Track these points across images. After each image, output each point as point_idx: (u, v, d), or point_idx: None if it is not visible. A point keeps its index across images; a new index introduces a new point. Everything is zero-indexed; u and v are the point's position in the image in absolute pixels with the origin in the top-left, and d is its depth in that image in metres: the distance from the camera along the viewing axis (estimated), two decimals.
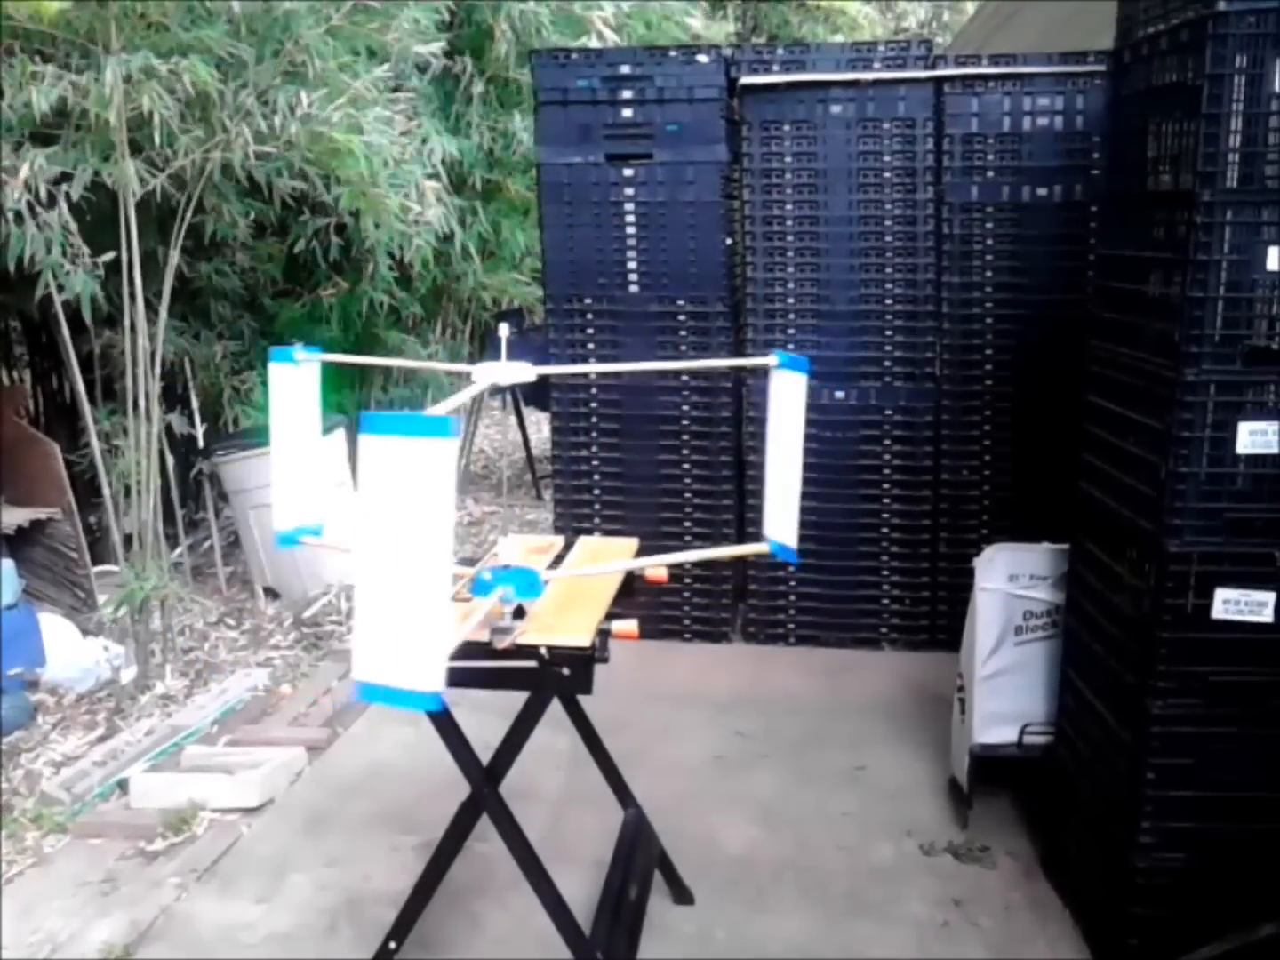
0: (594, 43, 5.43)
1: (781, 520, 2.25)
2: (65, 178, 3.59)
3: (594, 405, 4.40)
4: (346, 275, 5.32)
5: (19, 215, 3.49)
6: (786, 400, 2.27)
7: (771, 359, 2.29)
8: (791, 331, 4.21)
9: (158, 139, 3.61)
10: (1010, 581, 2.98)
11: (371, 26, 3.96)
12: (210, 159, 3.83)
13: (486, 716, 2.45)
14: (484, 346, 6.85)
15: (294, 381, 2.37)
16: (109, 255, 3.74)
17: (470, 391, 2.24)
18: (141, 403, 3.97)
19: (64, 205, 3.59)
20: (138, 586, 3.90)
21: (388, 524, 1.60)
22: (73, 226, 3.63)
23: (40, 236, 3.55)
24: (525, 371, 2.31)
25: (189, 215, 4.02)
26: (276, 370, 2.36)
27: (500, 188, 5.65)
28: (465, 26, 5.27)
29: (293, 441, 2.37)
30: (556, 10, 5.40)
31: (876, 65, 4.00)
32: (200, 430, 4.81)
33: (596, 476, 4.44)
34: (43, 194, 3.54)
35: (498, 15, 5.21)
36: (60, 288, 3.68)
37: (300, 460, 2.37)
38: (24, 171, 3.45)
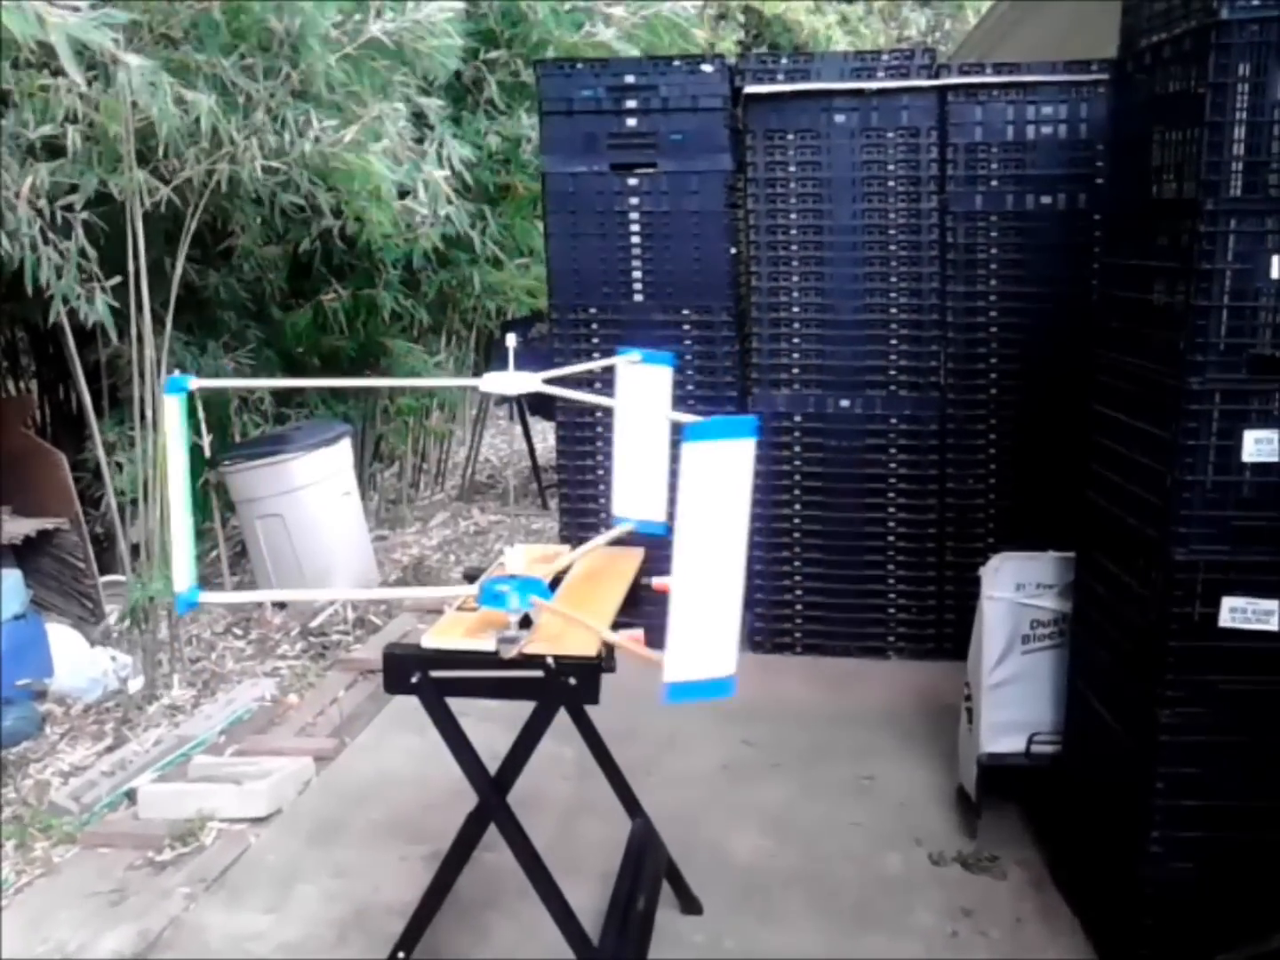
0: (599, 27, 5.45)
1: (647, 499, 2.50)
2: (73, 189, 3.61)
3: (598, 414, 4.41)
4: (351, 281, 5.33)
5: (33, 242, 3.51)
6: (648, 388, 2.57)
7: (634, 356, 2.59)
8: (796, 340, 4.22)
9: (163, 151, 3.62)
10: (1017, 590, 2.98)
11: (383, 63, 3.99)
12: (217, 170, 3.85)
13: (494, 726, 2.45)
14: (489, 356, 6.87)
15: (181, 414, 2.20)
16: (116, 280, 3.76)
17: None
18: (148, 413, 3.99)
19: (79, 230, 3.61)
20: (141, 592, 3.91)
21: (712, 523, 1.68)
22: (91, 254, 3.66)
23: (51, 263, 3.57)
24: (531, 382, 2.32)
25: (193, 226, 4.04)
26: (170, 403, 2.18)
27: (511, 189, 5.67)
28: (476, 29, 5.29)
29: (181, 484, 2.22)
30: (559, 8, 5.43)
31: (880, 74, 4.01)
32: (207, 440, 4.81)
33: (601, 486, 4.44)
34: (55, 218, 3.57)
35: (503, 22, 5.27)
36: (72, 311, 3.69)
37: (183, 508, 2.20)
38: (28, 184, 3.47)
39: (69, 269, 3.61)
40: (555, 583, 2.37)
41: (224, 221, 4.53)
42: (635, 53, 5.41)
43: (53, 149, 3.67)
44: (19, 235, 3.49)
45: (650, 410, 2.56)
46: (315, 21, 3.67)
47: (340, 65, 3.83)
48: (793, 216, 4.15)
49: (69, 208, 3.60)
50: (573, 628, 2.15)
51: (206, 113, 3.51)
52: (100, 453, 4.14)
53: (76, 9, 3.04)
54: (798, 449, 4.27)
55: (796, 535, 4.32)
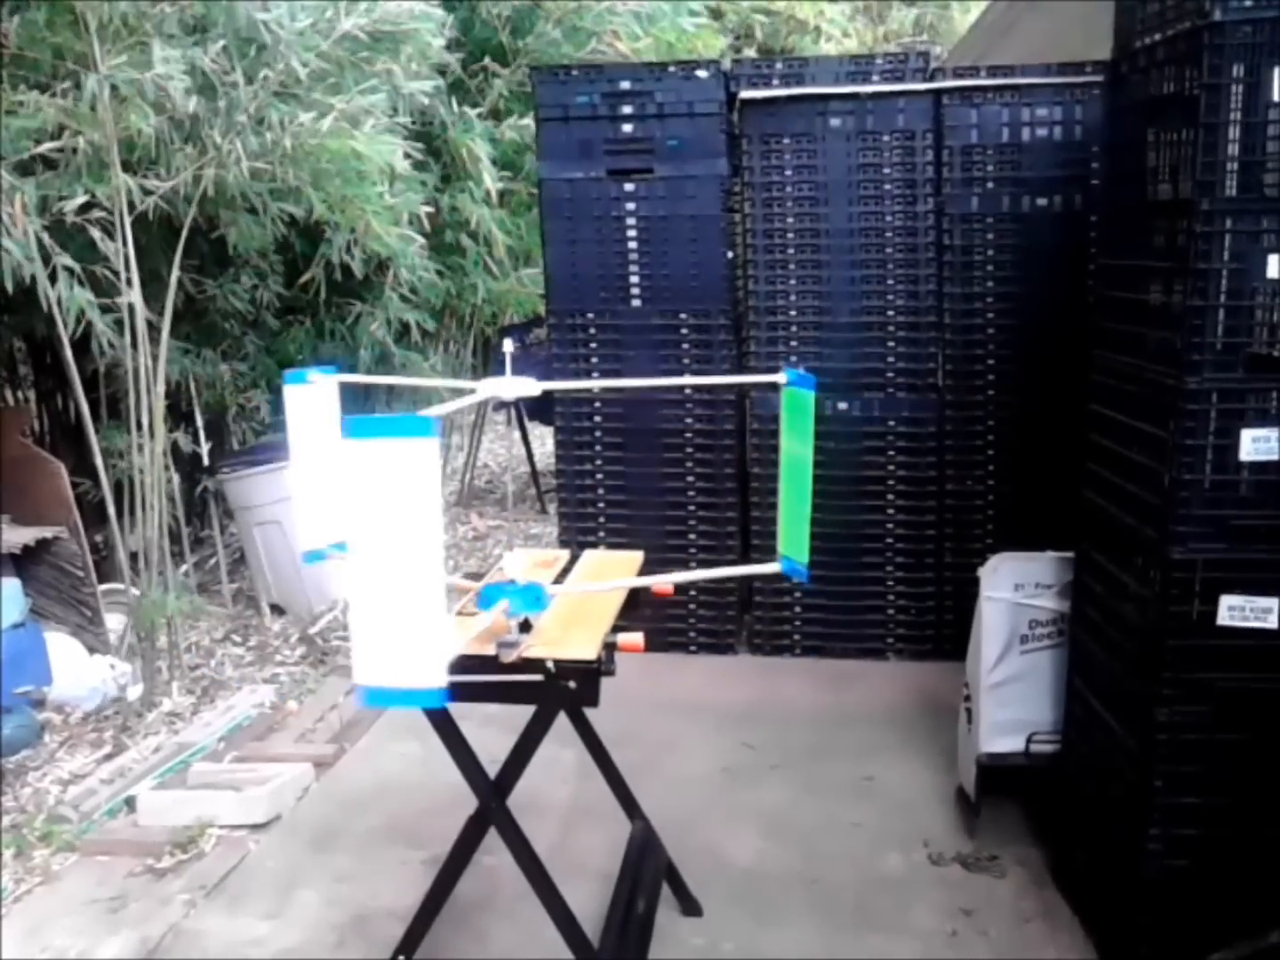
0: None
1: (793, 536, 2.23)
2: (62, 199, 3.62)
3: (597, 419, 4.41)
4: (352, 292, 5.35)
5: (26, 250, 3.53)
6: (796, 416, 2.24)
7: (780, 376, 2.27)
8: (794, 344, 4.22)
9: (153, 153, 3.63)
10: (1015, 590, 2.98)
11: (362, 56, 3.97)
12: (204, 175, 3.84)
13: (493, 730, 2.46)
14: (487, 361, 6.87)
15: (310, 401, 2.35)
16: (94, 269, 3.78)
17: (464, 401, 2.25)
18: (145, 421, 3.99)
19: (67, 230, 3.62)
20: (152, 605, 3.91)
21: (383, 527, 1.62)
22: (76, 268, 3.68)
23: (43, 266, 3.58)
24: (529, 386, 2.32)
25: (184, 234, 4.04)
26: (291, 392, 2.33)
27: (518, 193, 5.70)
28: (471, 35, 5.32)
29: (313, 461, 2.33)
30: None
31: (875, 78, 4.02)
32: (205, 448, 4.82)
33: (601, 490, 4.45)
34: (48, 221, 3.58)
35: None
36: (68, 309, 3.70)
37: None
38: (19, 201, 3.47)
39: (62, 272, 3.63)
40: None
41: (218, 230, 4.52)
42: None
43: (44, 161, 3.69)
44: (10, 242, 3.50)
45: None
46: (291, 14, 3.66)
47: (318, 61, 3.81)
48: (789, 220, 4.16)
49: (61, 211, 3.61)
50: (572, 632, 2.16)
51: (184, 97, 3.51)
52: (99, 461, 4.13)
53: None
54: None
55: None
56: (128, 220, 3.76)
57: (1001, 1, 6.08)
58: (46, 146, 3.56)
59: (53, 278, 3.64)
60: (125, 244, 3.79)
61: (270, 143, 3.82)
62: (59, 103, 3.49)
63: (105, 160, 3.64)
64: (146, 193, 3.78)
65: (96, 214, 3.71)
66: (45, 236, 3.59)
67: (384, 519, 1.62)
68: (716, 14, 9.32)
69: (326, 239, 4.71)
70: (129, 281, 3.83)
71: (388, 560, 1.62)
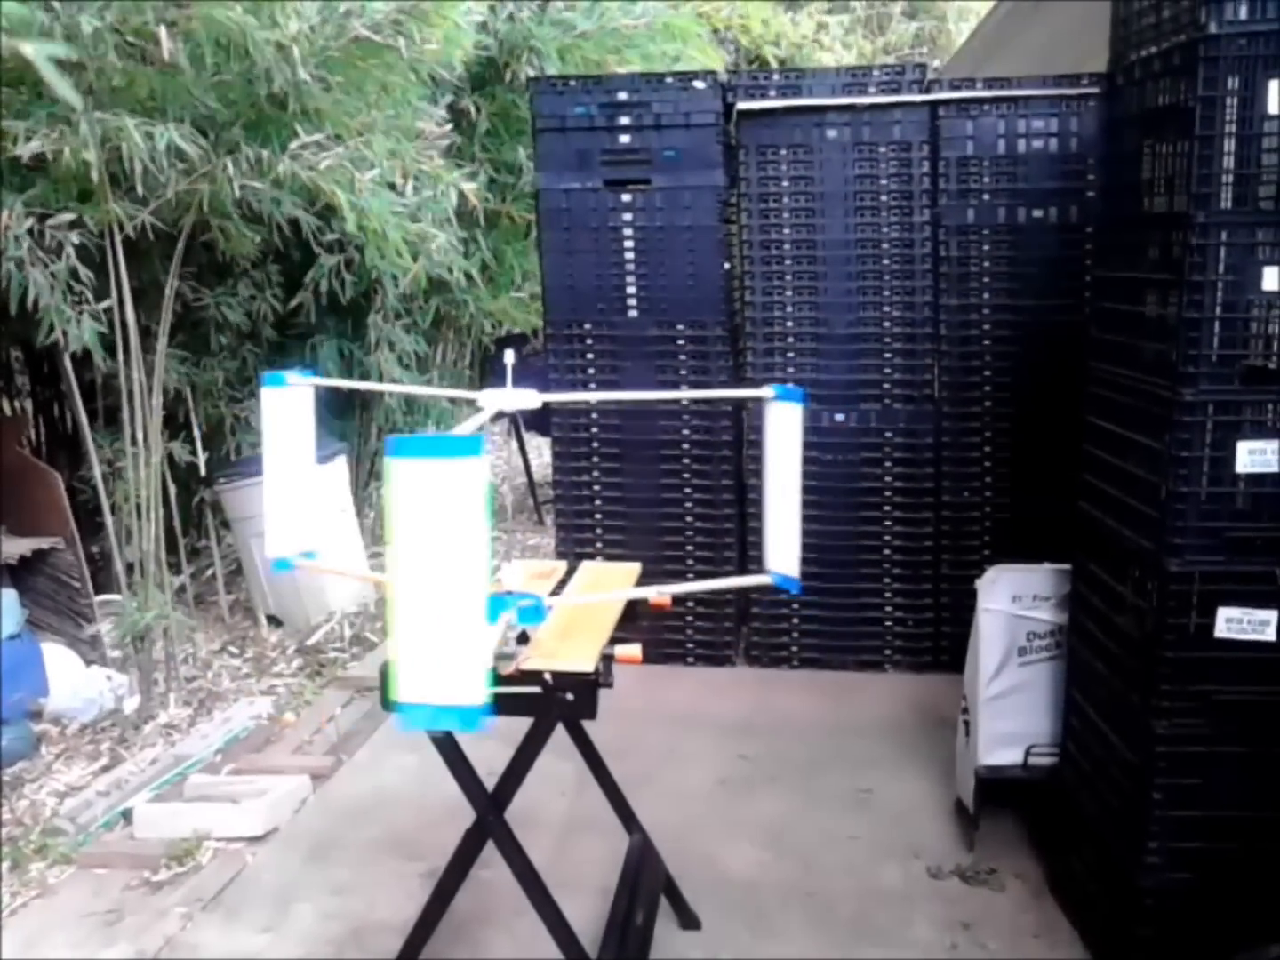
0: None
1: (783, 550, 2.24)
2: (74, 226, 3.61)
3: (594, 430, 4.41)
4: (349, 310, 5.36)
5: (20, 261, 3.51)
6: (783, 430, 2.27)
7: (768, 390, 2.30)
8: (790, 355, 4.23)
9: (139, 187, 3.60)
10: (1013, 602, 2.99)
11: (372, 62, 3.93)
12: (198, 190, 3.83)
13: (491, 742, 2.44)
14: (484, 373, 6.87)
15: (287, 405, 2.47)
16: (107, 303, 3.77)
17: (485, 416, 2.24)
18: (139, 434, 3.98)
19: (70, 250, 3.60)
20: (138, 615, 3.90)
21: (430, 543, 1.64)
22: (83, 274, 3.65)
23: (38, 284, 3.56)
24: (530, 398, 2.32)
25: (180, 246, 4.03)
26: (268, 394, 2.45)
27: (503, 215, 5.69)
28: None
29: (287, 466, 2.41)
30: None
31: (872, 89, 4.03)
32: (202, 458, 4.81)
33: (598, 501, 4.44)
34: (45, 237, 3.56)
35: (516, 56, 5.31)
36: (64, 332, 3.69)
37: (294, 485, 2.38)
38: (7, 214, 3.45)
39: (58, 290, 3.61)
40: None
41: (225, 234, 4.51)
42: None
43: (28, 179, 3.68)
44: (6, 257, 3.48)
45: (781, 451, 2.28)
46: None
47: (318, 73, 3.76)
48: (786, 231, 4.16)
49: (58, 227, 3.59)
50: (569, 644, 2.15)
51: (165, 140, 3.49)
52: (96, 471, 4.13)
53: None
54: None
55: None
56: (118, 238, 3.75)
57: (1002, 5, 6.11)
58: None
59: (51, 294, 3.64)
60: (118, 263, 3.77)
61: (267, 161, 3.78)
62: (46, 131, 3.44)
63: (91, 187, 3.61)
64: (136, 211, 3.75)
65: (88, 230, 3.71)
66: (39, 245, 3.58)
67: (430, 538, 1.64)
68: (723, 40, 9.38)
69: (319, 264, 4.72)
70: (120, 300, 3.81)
71: (433, 578, 1.64)
